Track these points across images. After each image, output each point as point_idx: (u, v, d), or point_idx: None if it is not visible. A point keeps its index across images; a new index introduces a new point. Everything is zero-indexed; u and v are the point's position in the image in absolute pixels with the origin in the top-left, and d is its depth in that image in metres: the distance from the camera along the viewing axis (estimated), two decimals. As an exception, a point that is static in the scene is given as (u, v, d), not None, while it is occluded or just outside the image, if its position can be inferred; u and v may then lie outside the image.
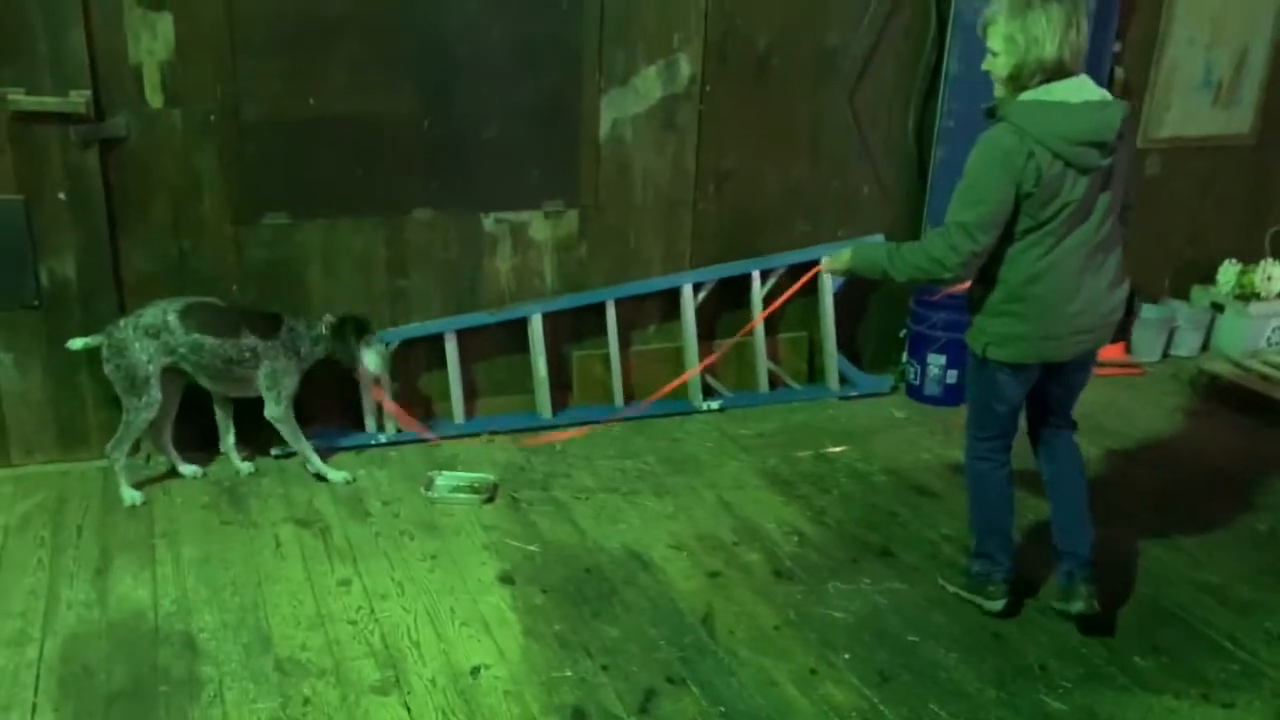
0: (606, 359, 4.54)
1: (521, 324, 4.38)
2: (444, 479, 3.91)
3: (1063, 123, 2.69)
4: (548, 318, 4.39)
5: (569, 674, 2.92)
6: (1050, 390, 3.13)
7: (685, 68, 4.34)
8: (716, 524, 3.75)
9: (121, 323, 3.63)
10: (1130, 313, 3.06)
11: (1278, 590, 3.47)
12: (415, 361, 4.32)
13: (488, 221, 4.25)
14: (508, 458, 4.17)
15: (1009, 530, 3.24)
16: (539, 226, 4.33)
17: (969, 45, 4.59)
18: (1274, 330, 5.41)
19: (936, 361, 4.74)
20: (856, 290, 4.88)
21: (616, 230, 4.46)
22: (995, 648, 3.13)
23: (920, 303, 4.77)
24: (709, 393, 4.72)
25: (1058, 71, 2.72)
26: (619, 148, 4.35)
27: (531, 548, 3.54)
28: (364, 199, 4.06)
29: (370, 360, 3.89)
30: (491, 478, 3.95)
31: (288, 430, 3.85)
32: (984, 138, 2.78)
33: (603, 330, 4.51)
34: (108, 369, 3.64)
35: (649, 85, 4.31)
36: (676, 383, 4.26)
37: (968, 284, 3.03)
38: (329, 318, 3.87)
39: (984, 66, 2.85)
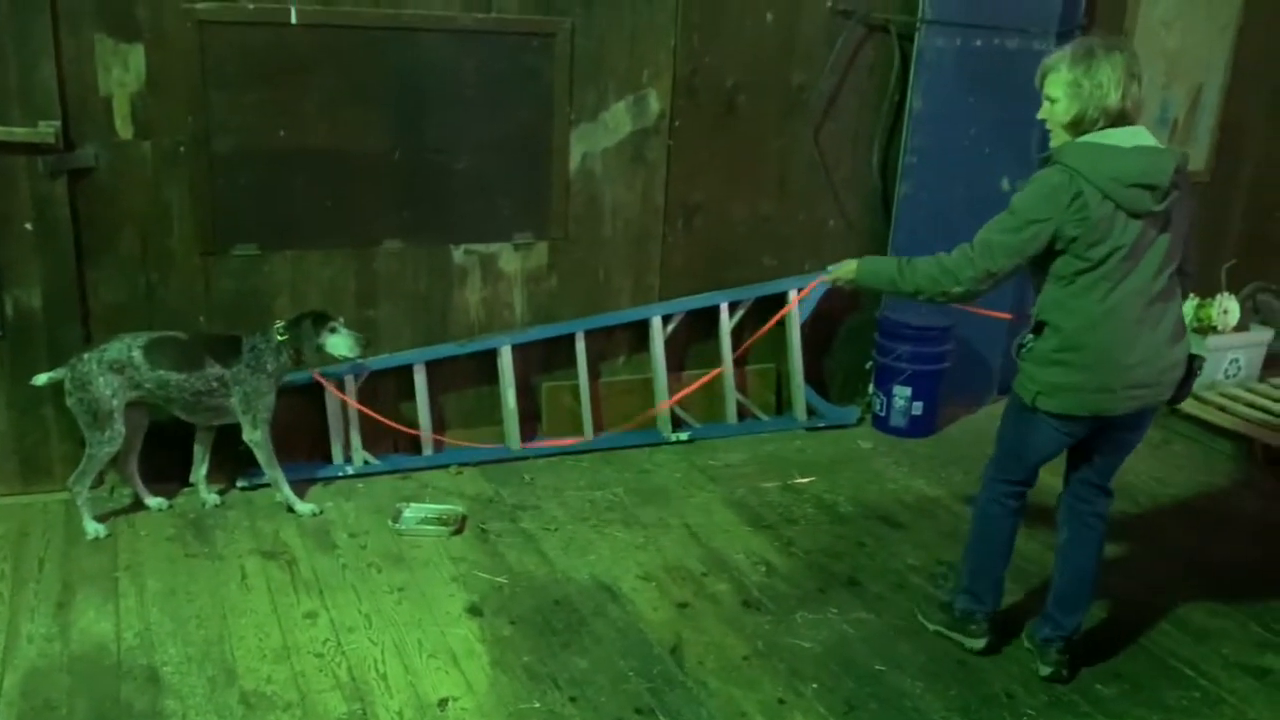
0: (576, 390, 4.56)
1: (491, 355, 4.40)
2: (412, 511, 3.90)
3: (1113, 164, 2.68)
4: (517, 349, 4.41)
5: (537, 705, 2.92)
6: (1098, 448, 3.01)
7: (654, 103, 4.40)
8: (685, 555, 3.76)
9: (85, 356, 3.59)
10: (1190, 374, 2.95)
11: (1234, 617, 3.53)
12: (384, 393, 4.32)
13: (458, 253, 4.27)
14: (476, 489, 4.17)
15: (1001, 574, 3.22)
16: (509, 258, 4.36)
17: (932, 84, 4.72)
18: (1231, 363, 5.52)
19: (902, 393, 4.80)
20: (824, 322, 4.94)
21: (586, 262, 4.50)
22: (961, 676, 3.16)
23: (886, 335, 4.83)
24: (678, 424, 4.74)
25: (1119, 119, 2.74)
26: (589, 181, 4.40)
27: (500, 579, 3.53)
28: (334, 230, 4.08)
29: (340, 345, 3.79)
30: (460, 509, 3.94)
31: (264, 455, 3.82)
32: (1037, 176, 2.79)
33: (572, 362, 4.53)
34: (70, 402, 3.61)
35: (619, 120, 4.37)
36: (692, 388, 4.32)
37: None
38: (279, 322, 3.81)
39: (1040, 115, 2.85)
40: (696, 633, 3.30)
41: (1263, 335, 5.63)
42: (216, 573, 3.49)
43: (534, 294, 4.44)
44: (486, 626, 3.27)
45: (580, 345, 4.51)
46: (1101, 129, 2.75)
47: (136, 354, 3.61)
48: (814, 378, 5.00)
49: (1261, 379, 5.58)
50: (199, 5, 3.67)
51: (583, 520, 3.96)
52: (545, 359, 4.55)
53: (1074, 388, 2.83)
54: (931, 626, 3.34)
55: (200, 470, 3.93)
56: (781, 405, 5.02)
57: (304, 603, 3.35)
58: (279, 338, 3.78)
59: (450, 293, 4.31)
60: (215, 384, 3.71)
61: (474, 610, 3.35)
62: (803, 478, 4.41)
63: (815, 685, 3.07)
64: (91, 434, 3.61)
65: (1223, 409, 5.13)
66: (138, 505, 3.87)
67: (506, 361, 4.37)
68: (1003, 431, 3.11)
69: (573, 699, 2.95)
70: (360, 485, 4.15)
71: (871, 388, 4.98)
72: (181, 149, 3.79)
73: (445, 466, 4.32)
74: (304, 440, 4.20)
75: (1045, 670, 3.16)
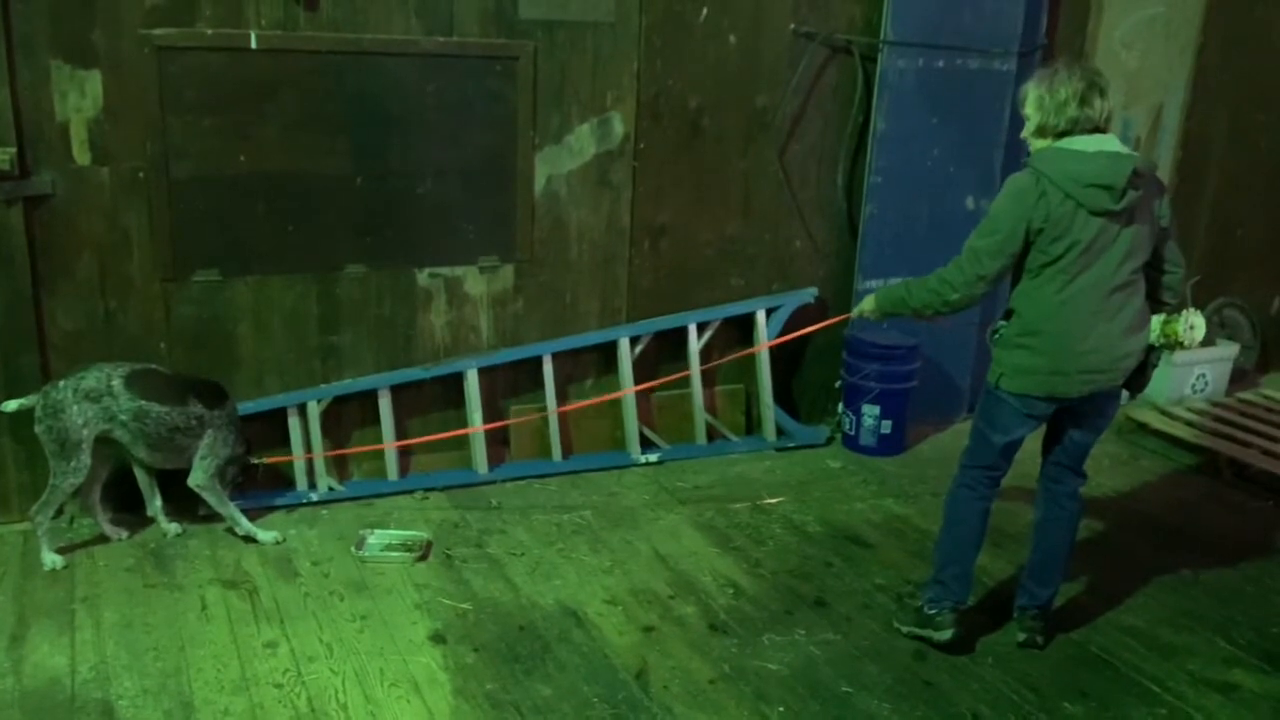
0: (544, 412, 4.54)
1: (457, 379, 4.37)
2: (376, 537, 3.86)
3: (1074, 166, 2.91)
4: (484, 373, 4.39)
5: (499, 734, 2.89)
6: (1068, 433, 3.25)
7: (619, 126, 4.41)
8: (652, 578, 3.73)
9: (61, 384, 3.53)
10: (1147, 363, 3.18)
11: (1200, 633, 3.53)
12: (348, 419, 4.28)
13: (422, 277, 4.25)
14: (442, 515, 4.13)
15: (970, 564, 3.32)
16: (474, 282, 4.34)
17: (896, 104, 4.74)
18: (1198, 378, 5.56)
19: (871, 412, 4.80)
20: (792, 342, 4.93)
21: (552, 285, 4.48)
22: (927, 696, 3.14)
23: (854, 354, 4.84)
24: (647, 445, 4.73)
25: (1080, 128, 2.95)
26: (554, 203, 4.39)
27: (464, 606, 3.50)
28: (296, 255, 4.05)
29: None
30: (425, 535, 3.91)
31: (213, 497, 3.77)
32: (1008, 180, 3.04)
33: (540, 384, 4.51)
34: (39, 429, 3.54)
35: (583, 143, 4.37)
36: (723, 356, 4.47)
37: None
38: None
39: (1022, 135, 3.11)
40: (662, 657, 3.27)
41: (1229, 350, 5.68)
42: (176, 603, 3.44)
43: (500, 317, 4.42)
44: (449, 654, 3.23)
45: (548, 368, 4.49)
46: (1072, 137, 2.96)
47: (117, 383, 3.56)
48: (783, 397, 5.00)
49: (1228, 394, 5.61)
50: (157, 31, 3.65)
51: (549, 544, 3.93)
52: (512, 382, 4.53)
53: (1032, 370, 3.07)
54: (904, 629, 3.40)
55: (154, 503, 3.87)
56: (751, 425, 5.01)
57: (264, 632, 3.30)
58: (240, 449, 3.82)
59: (415, 317, 4.28)
60: (194, 422, 3.67)
61: (437, 638, 3.31)
62: (771, 498, 4.39)
63: (782, 708, 3.05)
64: (57, 464, 3.55)
65: (1190, 424, 5.15)
66: (99, 537, 3.81)
67: (473, 385, 4.35)
68: (974, 420, 3.31)
69: (535, 727, 2.92)
70: (324, 512, 4.11)
71: (840, 407, 4.98)
72: (140, 175, 3.76)
73: (411, 492, 4.28)
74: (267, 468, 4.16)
75: (1020, 637, 3.40)
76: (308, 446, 4.15)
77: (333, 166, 4.01)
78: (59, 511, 3.73)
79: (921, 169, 4.85)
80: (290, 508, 4.10)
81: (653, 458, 4.67)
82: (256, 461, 3.96)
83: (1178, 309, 3.32)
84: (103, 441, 3.63)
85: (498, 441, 4.52)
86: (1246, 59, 5.61)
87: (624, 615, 3.49)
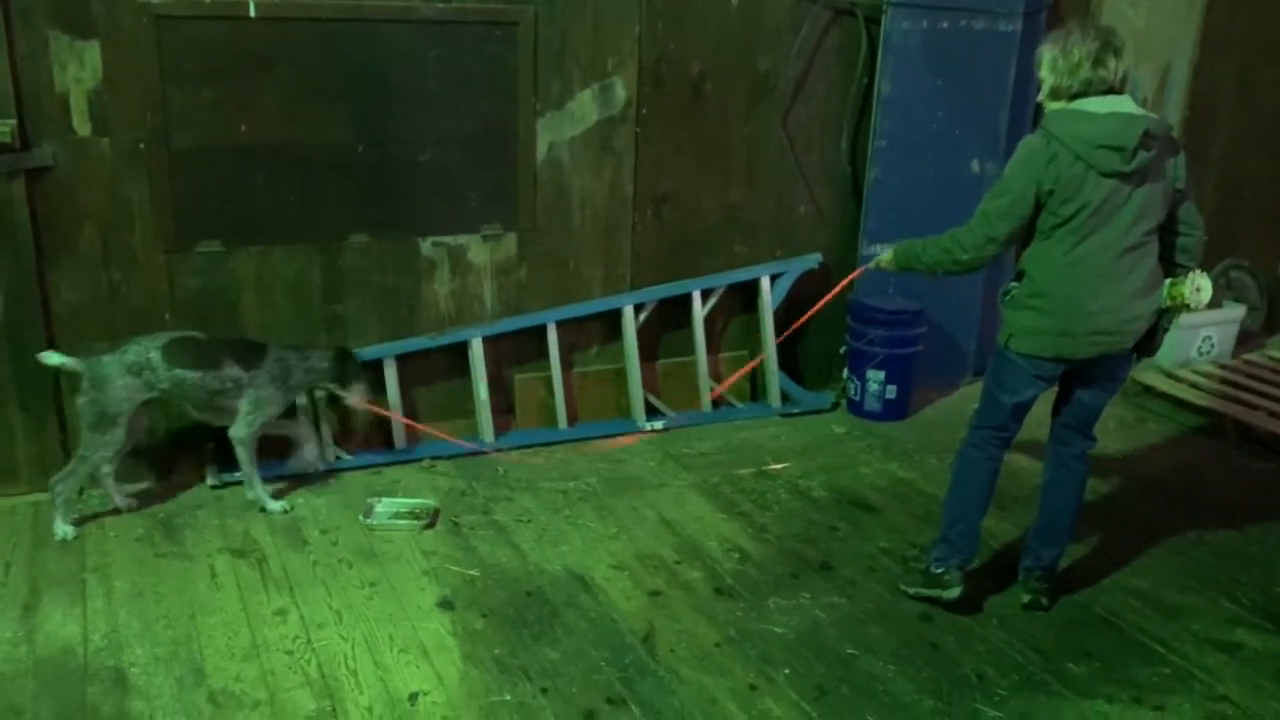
0: (549, 381, 4.54)
1: (462, 348, 4.37)
2: (383, 506, 3.88)
3: (1085, 128, 2.89)
4: (488, 341, 4.39)
5: (508, 698, 2.91)
6: (1077, 395, 3.25)
7: (620, 91, 4.38)
8: (658, 543, 3.75)
9: (105, 358, 3.59)
10: (1158, 328, 3.16)
11: (1204, 594, 3.54)
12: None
13: (425, 246, 4.25)
14: (449, 483, 4.15)
15: (977, 524, 3.33)
16: (477, 250, 4.34)
17: (900, 67, 4.70)
18: (1204, 340, 5.54)
19: (876, 377, 4.80)
20: (798, 308, 4.92)
21: (556, 253, 4.47)
22: (933, 658, 3.16)
23: (859, 319, 4.83)
24: (652, 413, 4.73)
25: (1094, 89, 2.93)
26: (556, 171, 4.37)
27: (472, 572, 3.52)
28: (298, 225, 4.04)
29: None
30: (432, 503, 3.92)
31: (246, 453, 3.81)
32: (1021, 142, 3.03)
33: (544, 353, 4.51)
34: (81, 401, 3.59)
35: (585, 109, 4.34)
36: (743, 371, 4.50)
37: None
38: (323, 351, 3.92)
39: (1039, 97, 3.09)
40: (669, 621, 3.29)
41: (1235, 312, 5.66)
42: (185, 572, 3.47)
43: (504, 285, 4.42)
44: (458, 620, 3.25)
45: (552, 336, 4.49)
46: (1086, 99, 2.94)
47: (154, 354, 3.63)
48: (788, 364, 5.00)
49: (1234, 356, 5.60)
50: (155, 0, 3.63)
51: (556, 511, 3.95)
52: (517, 351, 4.53)
53: (1040, 330, 3.07)
54: (911, 590, 3.42)
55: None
56: (756, 392, 5.02)
57: (274, 600, 3.33)
58: (321, 364, 3.87)
59: (418, 286, 4.28)
60: (230, 385, 3.73)
61: (445, 604, 3.34)
62: (777, 464, 4.40)
63: (787, 671, 3.07)
64: (91, 435, 3.60)
65: (1196, 387, 5.15)
66: (111, 509, 3.83)
67: (477, 354, 4.35)
68: (985, 380, 3.32)
69: (544, 690, 2.94)
70: (332, 481, 4.13)
71: (845, 372, 4.98)
72: (141, 146, 3.75)
73: (417, 461, 4.29)
74: (274, 438, 4.18)
75: (1025, 598, 3.40)
76: (314, 417, 4.16)
77: (334, 135, 4.00)
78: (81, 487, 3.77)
79: (926, 132, 4.82)
80: (298, 477, 4.12)
81: (658, 425, 4.68)
82: (354, 400, 4.03)
83: (1256, 288, 3.31)
84: (140, 410, 3.70)
85: (502, 409, 4.53)
86: (1255, 16, 5.55)
87: (630, 580, 3.51)
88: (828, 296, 4.10)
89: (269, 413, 3.81)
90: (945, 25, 4.70)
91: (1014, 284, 3.14)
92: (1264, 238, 6.02)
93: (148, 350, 3.63)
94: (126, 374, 3.58)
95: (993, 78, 4.86)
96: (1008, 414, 3.24)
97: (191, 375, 3.66)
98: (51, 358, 3.58)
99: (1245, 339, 5.78)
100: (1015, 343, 3.12)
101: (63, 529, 3.63)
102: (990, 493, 3.33)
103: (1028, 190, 2.95)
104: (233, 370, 3.72)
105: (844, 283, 3.91)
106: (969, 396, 5.13)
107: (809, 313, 4.35)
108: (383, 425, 4.31)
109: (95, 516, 3.79)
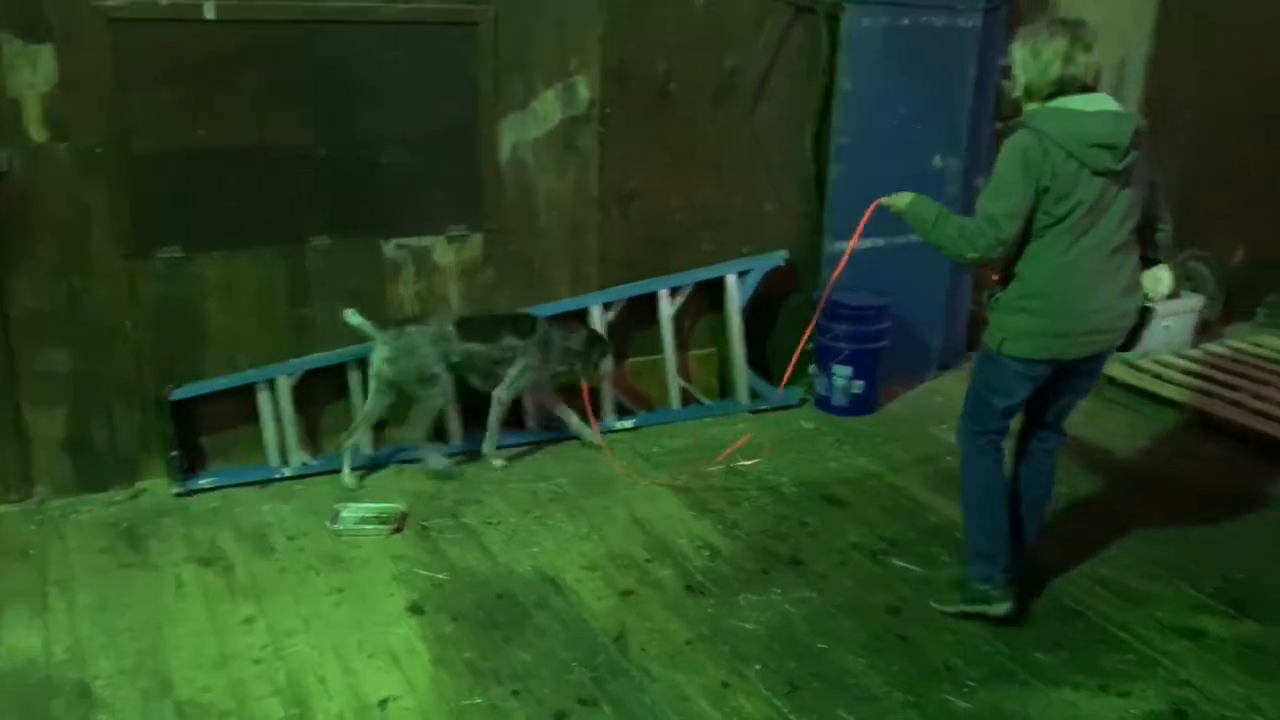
0: (515, 382, 4.53)
1: (429, 351, 4.35)
2: (351, 511, 3.85)
3: (1076, 126, 2.88)
4: (455, 343, 4.37)
5: (479, 701, 2.90)
6: (1056, 390, 3.22)
7: (584, 91, 4.37)
8: (629, 542, 3.75)
9: (410, 329, 4.05)
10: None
11: (1168, 581, 3.59)
12: (321, 392, 4.26)
13: (389, 248, 4.22)
14: (417, 486, 4.12)
15: (1006, 529, 3.25)
16: (442, 251, 4.32)
17: (861, 64, 4.73)
18: (1164, 330, 5.61)
19: (843, 373, 4.82)
20: (764, 305, 4.95)
21: (522, 253, 4.46)
22: (902, 651, 3.18)
23: (825, 315, 4.84)
24: (623, 412, 4.73)
25: (1069, 87, 2.93)
26: (521, 171, 4.36)
27: (441, 576, 3.50)
28: (262, 229, 4.01)
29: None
30: (400, 507, 3.90)
31: (500, 412, 4.24)
32: (1008, 142, 3.00)
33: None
34: (392, 370, 4.00)
35: (548, 109, 4.33)
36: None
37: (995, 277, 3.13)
38: (580, 332, 4.39)
39: (1014, 95, 3.10)
40: (640, 620, 3.30)
41: (1194, 302, 5.74)
42: (150, 582, 3.43)
43: (470, 286, 4.40)
44: (428, 624, 3.24)
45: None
46: (1054, 96, 2.94)
47: (450, 329, 4.09)
48: (756, 360, 5.01)
49: (1193, 346, 5.68)
50: (110, 3, 3.58)
51: (526, 513, 3.94)
52: (485, 352, 4.52)
53: (1036, 332, 3.04)
54: (952, 610, 3.31)
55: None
56: (725, 389, 5.03)
57: (241, 609, 3.30)
58: (576, 347, 4.33)
59: (384, 288, 4.25)
60: (508, 354, 4.17)
61: (415, 609, 3.32)
62: (746, 460, 4.41)
63: (758, 666, 3.08)
64: (422, 390, 4.05)
65: (1158, 377, 5.22)
66: (67, 516, 3.78)
67: (444, 356, 4.34)
68: (971, 385, 3.28)
69: (515, 693, 2.94)
70: (298, 487, 4.10)
71: (812, 368, 5.00)
72: (99, 151, 3.70)
73: (385, 465, 4.27)
74: (237, 440, 4.15)
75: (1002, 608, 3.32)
76: (278, 422, 4.13)
77: (295, 138, 3.96)
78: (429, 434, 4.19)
79: (888, 129, 4.84)
80: (263, 483, 4.09)
81: (628, 424, 4.68)
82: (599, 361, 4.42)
83: (1214, 278, 3.30)
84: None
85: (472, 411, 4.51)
86: (1211, 8, 5.62)
87: (602, 580, 3.51)
88: (851, 242, 3.70)
89: (529, 379, 4.24)
90: (905, 22, 4.73)
91: (999, 288, 3.10)
92: (1221, 228, 6.10)
93: (443, 326, 4.09)
94: (429, 343, 4.02)
95: (953, 74, 4.90)
96: (1001, 416, 3.20)
97: (480, 348, 4.10)
98: (353, 317, 3.94)
99: (1203, 328, 5.86)
100: (1009, 346, 3.07)
101: (439, 461, 4.19)
102: (1007, 492, 3.28)
103: (1029, 189, 2.91)
104: (511, 340, 4.16)
105: (862, 222, 3.53)
106: (935, 390, 5.18)
107: (839, 268, 3.84)
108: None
109: (56, 527, 3.74)
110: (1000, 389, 3.16)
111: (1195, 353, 5.57)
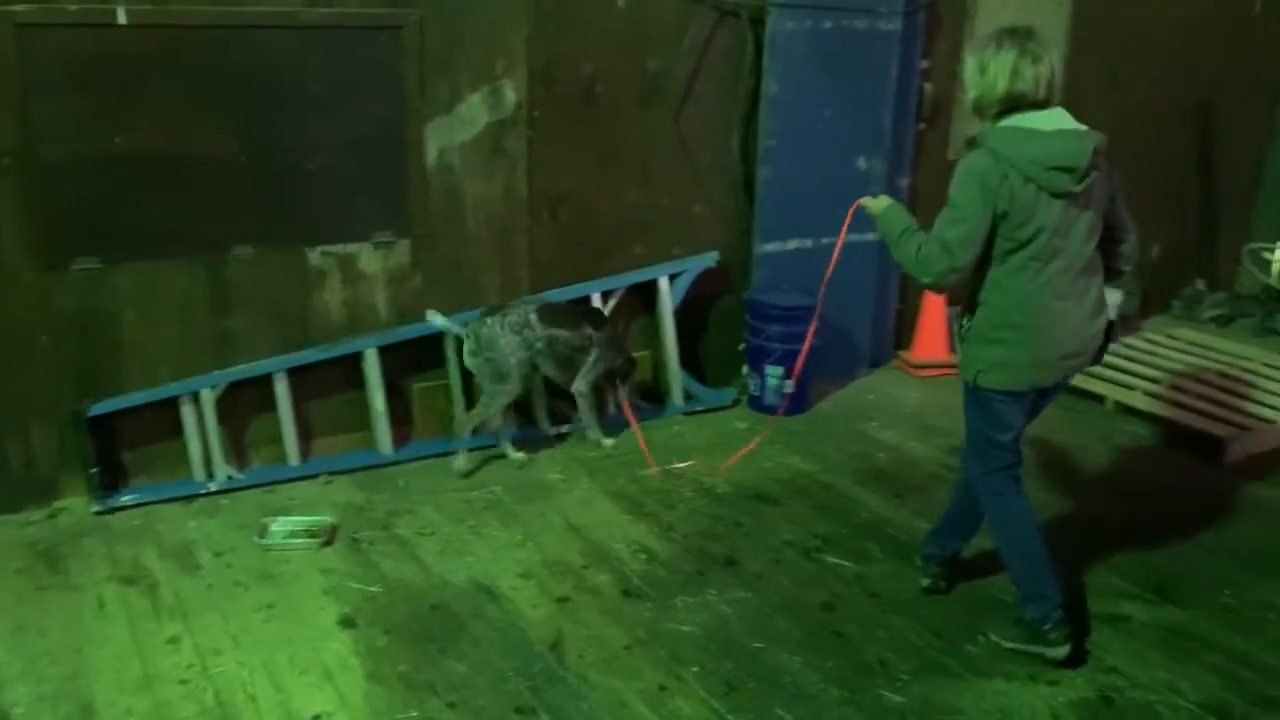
0: (448, 390, 4.48)
1: (357, 359, 4.29)
2: (279, 524, 3.78)
3: (1034, 148, 2.79)
4: (384, 351, 4.31)
5: (414, 715, 2.86)
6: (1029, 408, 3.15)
7: (510, 94, 4.35)
8: (565, 548, 3.74)
9: (489, 320, 4.10)
10: (1109, 340, 3.15)
11: (1093, 569, 3.67)
12: (246, 405, 4.17)
13: (314, 255, 4.15)
14: (347, 498, 4.06)
15: (1045, 560, 3.15)
16: (369, 258, 4.26)
17: (786, 67, 4.77)
18: (1085, 325, 5.74)
19: (774, 373, 4.86)
20: (696, 307, 4.96)
21: (450, 258, 4.42)
22: (837, 647, 3.22)
23: (756, 316, 4.88)
24: (556, 418, 4.70)
25: (1022, 102, 2.84)
26: (448, 175, 4.32)
27: (373, 589, 3.45)
28: (181, 239, 3.92)
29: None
30: (330, 520, 3.84)
31: (586, 403, 4.42)
32: (963, 162, 2.90)
33: (442, 361, 4.45)
34: (473, 362, 4.13)
35: (475, 112, 4.30)
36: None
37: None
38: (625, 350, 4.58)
39: (969, 106, 3.00)
40: (577, 626, 3.28)
41: (1113, 297, 5.85)
42: (71, 604, 3.32)
43: (398, 294, 4.34)
44: (360, 638, 3.19)
45: (450, 343, 4.43)
46: (1006, 113, 2.85)
47: (532, 316, 4.17)
48: (689, 362, 5.03)
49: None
50: (16, 7, 3.47)
51: (459, 522, 3.90)
52: (414, 360, 4.46)
53: (1011, 363, 2.97)
54: (1009, 646, 3.22)
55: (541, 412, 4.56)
56: (659, 391, 5.03)
57: (166, 628, 3.21)
58: (619, 357, 4.50)
59: (309, 297, 4.18)
60: (587, 342, 4.30)
61: (347, 622, 3.26)
62: (681, 463, 4.42)
63: (696, 669, 3.09)
64: (493, 386, 4.13)
65: (1088, 374, 5.33)
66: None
67: (372, 364, 4.27)
68: (970, 427, 3.18)
69: (451, 705, 2.90)
70: (224, 501, 4.01)
71: (745, 369, 5.03)
72: (5, 160, 3.58)
73: (313, 477, 4.19)
74: (158, 455, 4.04)
75: (925, 582, 3.47)
76: (202, 436, 4.03)
77: (216, 145, 3.88)
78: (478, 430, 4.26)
79: (814, 131, 4.90)
80: (188, 499, 3.99)
81: (563, 429, 4.66)
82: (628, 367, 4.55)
83: (1133, 276, 3.23)
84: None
85: (400, 420, 4.45)
86: (1123, 9, 5.77)
87: (537, 588, 3.49)
88: (839, 242, 3.60)
89: (601, 370, 4.36)
90: (828, 25, 4.78)
91: (968, 316, 3.02)
92: (1136, 224, 6.26)
93: (526, 313, 4.15)
94: (509, 332, 4.09)
95: (876, 76, 4.97)
96: (1008, 449, 3.12)
97: (564, 334, 4.22)
98: (436, 319, 4.11)
99: (1121, 322, 5.99)
100: (985, 379, 3.00)
101: (462, 462, 4.23)
102: (1035, 523, 3.18)
103: (986, 214, 2.82)
104: (588, 329, 4.30)
105: (845, 223, 3.52)
106: (864, 388, 5.25)
107: (832, 264, 3.76)
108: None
109: (-30, 550, 3.61)
110: (998, 423, 3.08)
111: (1115, 346, 5.70)
